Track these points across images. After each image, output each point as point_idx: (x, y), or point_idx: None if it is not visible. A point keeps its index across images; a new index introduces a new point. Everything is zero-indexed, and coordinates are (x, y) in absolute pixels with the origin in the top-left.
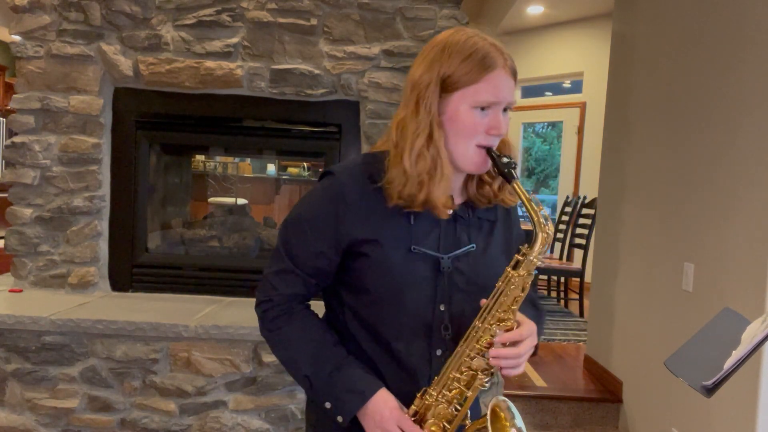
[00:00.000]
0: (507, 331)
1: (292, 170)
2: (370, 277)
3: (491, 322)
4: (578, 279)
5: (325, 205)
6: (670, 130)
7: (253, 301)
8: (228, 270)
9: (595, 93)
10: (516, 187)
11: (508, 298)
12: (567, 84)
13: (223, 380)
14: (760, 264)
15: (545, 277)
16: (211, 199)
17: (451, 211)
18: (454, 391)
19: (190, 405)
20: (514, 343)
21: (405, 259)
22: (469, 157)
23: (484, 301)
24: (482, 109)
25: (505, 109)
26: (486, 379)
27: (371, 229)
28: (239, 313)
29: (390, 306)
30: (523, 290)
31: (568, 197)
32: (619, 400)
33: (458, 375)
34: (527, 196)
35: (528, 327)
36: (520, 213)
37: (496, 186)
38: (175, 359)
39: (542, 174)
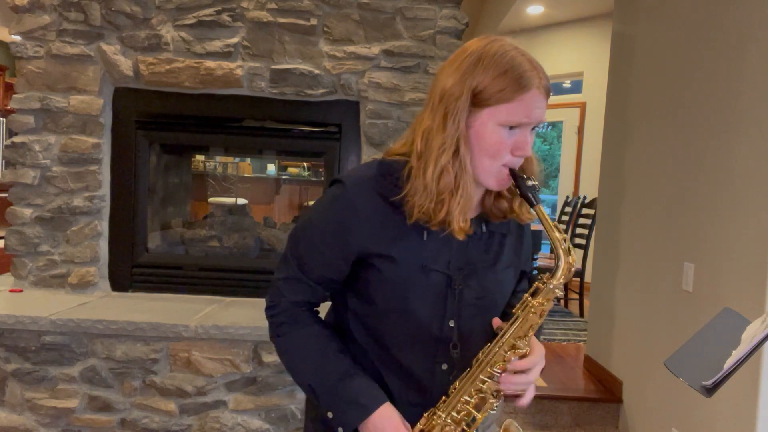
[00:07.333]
0: (520, 356)
1: (292, 170)
2: (379, 291)
3: (506, 348)
4: (578, 279)
5: (336, 215)
6: (670, 130)
7: (253, 300)
8: (228, 270)
9: (595, 93)
10: (538, 212)
11: (524, 325)
12: (567, 84)
13: (223, 380)
14: (760, 264)
15: None
16: (211, 199)
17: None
18: (462, 413)
19: (190, 405)
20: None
21: (417, 276)
22: (492, 174)
23: (497, 321)
24: (510, 127)
25: (533, 128)
26: (496, 403)
27: (384, 244)
28: (239, 313)
29: (397, 319)
30: (540, 317)
31: (568, 197)
32: (619, 400)
33: (468, 398)
34: (550, 222)
35: (538, 353)
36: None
37: (515, 203)
38: (175, 359)
39: (542, 174)
